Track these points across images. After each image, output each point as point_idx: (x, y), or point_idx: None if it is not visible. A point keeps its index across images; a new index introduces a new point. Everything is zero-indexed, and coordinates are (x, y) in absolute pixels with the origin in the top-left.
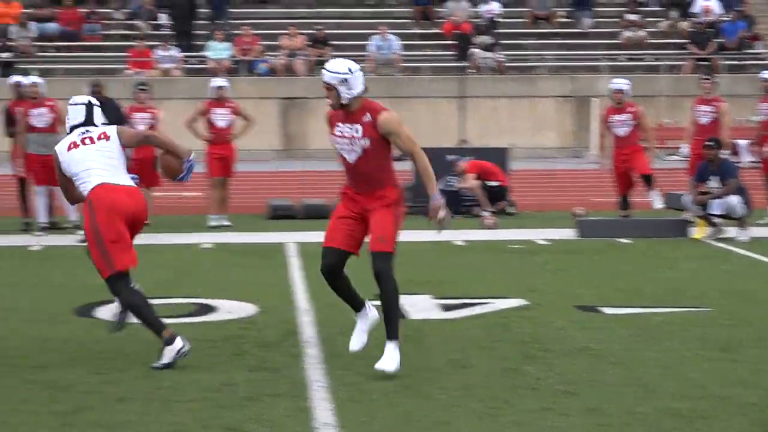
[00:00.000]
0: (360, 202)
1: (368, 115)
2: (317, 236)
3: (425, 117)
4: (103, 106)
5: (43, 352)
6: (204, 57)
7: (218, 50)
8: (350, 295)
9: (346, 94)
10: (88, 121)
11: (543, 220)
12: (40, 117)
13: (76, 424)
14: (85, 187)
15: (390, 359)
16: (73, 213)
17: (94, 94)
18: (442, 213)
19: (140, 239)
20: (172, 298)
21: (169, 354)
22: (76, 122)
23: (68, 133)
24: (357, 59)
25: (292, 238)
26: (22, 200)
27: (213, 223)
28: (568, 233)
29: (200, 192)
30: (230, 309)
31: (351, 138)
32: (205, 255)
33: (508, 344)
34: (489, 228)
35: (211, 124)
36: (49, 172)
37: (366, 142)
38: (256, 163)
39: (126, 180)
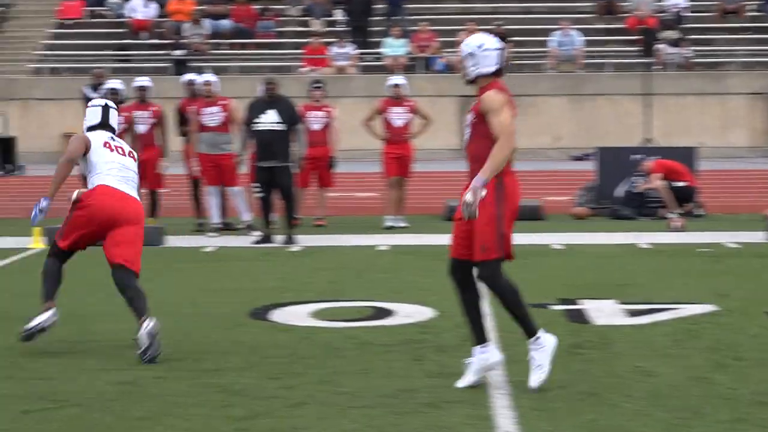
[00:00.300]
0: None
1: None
2: None
3: (608, 115)
4: (277, 105)
5: (217, 355)
6: (380, 54)
7: (395, 47)
8: (475, 318)
9: (470, 69)
10: (104, 122)
11: (733, 222)
12: (212, 116)
13: (250, 429)
14: (93, 181)
15: (539, 368)
16: (245, 213)
17: (267, 92)
18: (468, 196)
19: (314, 240)
20: (347, 301)
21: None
22: (93, 123)
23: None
24: (538, 56)
25: None
26: (195, 201)
27: (389, 224)
28: (759, 236)
29: (376, 192)
30: (408, 313)
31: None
32: (381, 256)
33: (697, 352)
34: (676, 230)
35: (387, 123)
36: (220, 172)
37: (471, 119)
38: (433, 162)
39: (134, 194)
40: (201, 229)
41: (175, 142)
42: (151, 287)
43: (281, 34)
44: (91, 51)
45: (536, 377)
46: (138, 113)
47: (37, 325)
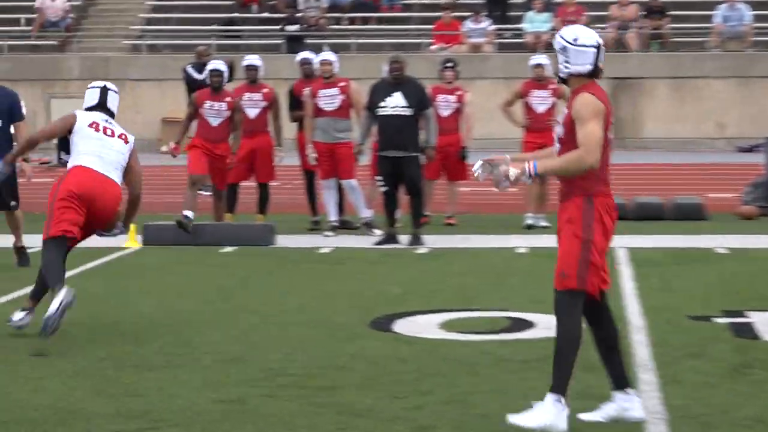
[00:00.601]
0: (558, 216)
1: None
2: (652, 241)
3: None
4: (404, 87)
5: (333, 371)
6: (520, 30)
7: (537, 22)
8: (609, 358)
9: (562, 66)
10: (102, 103)
11: None
12: (329, 99)
13: None
14: (71, 161)
15: (535, 413)
16: (365, 210)
17: (393, 72)
18: (512, 171)
19: (444, 240)
20: (481, 310)
21: None
22: (89, 104)
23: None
24: (701, 33)
25: (621, 243)
26: (310, 195)
27: (529, 223)
28: None
29: (514, 187)
30: (549, 325)
31: None
32: (520, 260)
33: None
34: None
35: (529, 108)
36: (337, 163)
37: (560, 129)
38: None
39: (113, 176)
40: (316, 227)
41: (287, 128)
42: (259, 291)
43: (408, 7)
44: (194, 26)
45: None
46: (247, 96)
47: (59, 306)
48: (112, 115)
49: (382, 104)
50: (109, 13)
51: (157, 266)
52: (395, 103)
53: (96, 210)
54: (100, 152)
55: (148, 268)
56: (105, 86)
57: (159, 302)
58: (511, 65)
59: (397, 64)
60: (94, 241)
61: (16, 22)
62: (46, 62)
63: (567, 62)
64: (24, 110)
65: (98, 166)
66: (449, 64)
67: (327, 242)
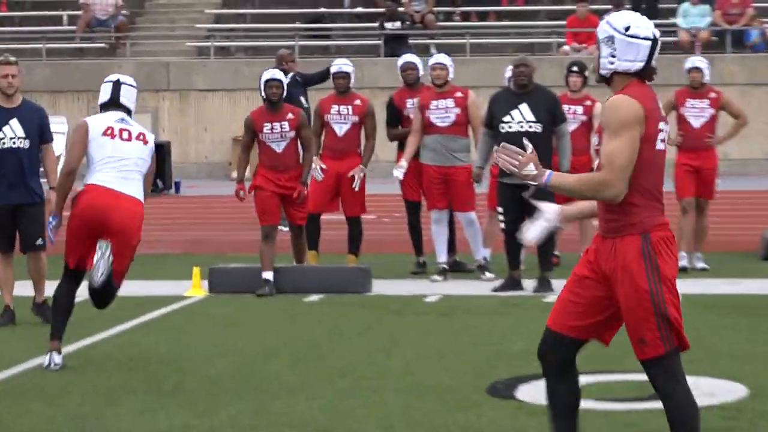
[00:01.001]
0: (599, 254)
1: None
2: None
3: None
4: (531, 98)
5: None
6: (673, 26)
7: (692, 16)
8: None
9: (606, 61)
10: (114, 99)
11: None
12: (443, 113)
13: None
14: (87, 176)
15: None
16: (482, 249)
17: (517, 79)
18: (531, 167)
19: None
20: (623, 372)
21: None
22: (102, 100)
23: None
24: None
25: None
26: (413, 231)
27: (682, 264)
28: None
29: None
30: (709, 389)
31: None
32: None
33: None
34: None
35: (682, 122)
36: (453, 190)
37: (598, 144)
38: (746, 178)
39: (129, 190)
40: (421, 270)
41: (386, 149)
42: (351, 349)
43: (534, 1)
44: (272, 24)
45: None
46: (335, 109)
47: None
48: (128, 112)
49: (505, 119)
50: (169, 9)
51: (226, 319)
52: (521, 118)
53: (110, 229)
54: (115, 163)
55: (216, 321)
56: (118, 80)
57: (229, 362)
58: (661, 69)
59: (523, 69)
60: (151, 288)
61: (58, 20)
62: (92, 69)
63: (612, 56)
64: (65, 126)
65: (113, 181)
66: (575, 68)
67: (434, 288)
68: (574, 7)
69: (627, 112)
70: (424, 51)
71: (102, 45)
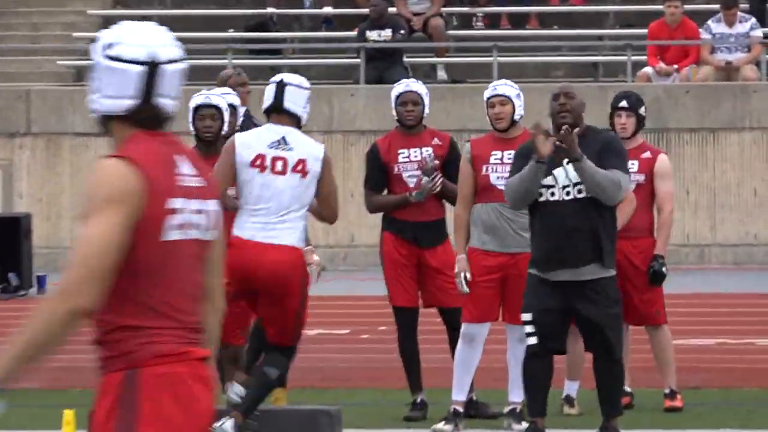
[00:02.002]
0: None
1: None
2: None
3: None
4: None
5: None
6: None
7: None
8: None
9: (92, 98)
10: (277, 104)
11: None
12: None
13: None
14: (235, 223)
15: None
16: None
17: (557, 114)
18: None
19: None
20: None
21: None
22: (265, 106)
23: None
24: None
25: None
26: (406, 354)
27: None
28: None
29: None
30: None
31: None
32: None
33: None
34: None
35: None
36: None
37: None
38: None
39: (282, 238)
40: (417, 414)
41: (364, 225)
42: None
43: None
44: (193, 33)
45: None
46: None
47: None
48: (296, 120)
49: (546, 182)
50: (31, 8)
51: None
52: (567, 181)
53: (260, 286)
54: (264, 205)
55: None
56: (282, 80)
57: None
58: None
59: (566, 103)
60: None
61: None
62: None
63: (100, 90)
64: None
65: (259, 231)
66: (624, 104)
67: None
68: (660, 7)
69: (110, 185)
70: (428, 74)
71: None
